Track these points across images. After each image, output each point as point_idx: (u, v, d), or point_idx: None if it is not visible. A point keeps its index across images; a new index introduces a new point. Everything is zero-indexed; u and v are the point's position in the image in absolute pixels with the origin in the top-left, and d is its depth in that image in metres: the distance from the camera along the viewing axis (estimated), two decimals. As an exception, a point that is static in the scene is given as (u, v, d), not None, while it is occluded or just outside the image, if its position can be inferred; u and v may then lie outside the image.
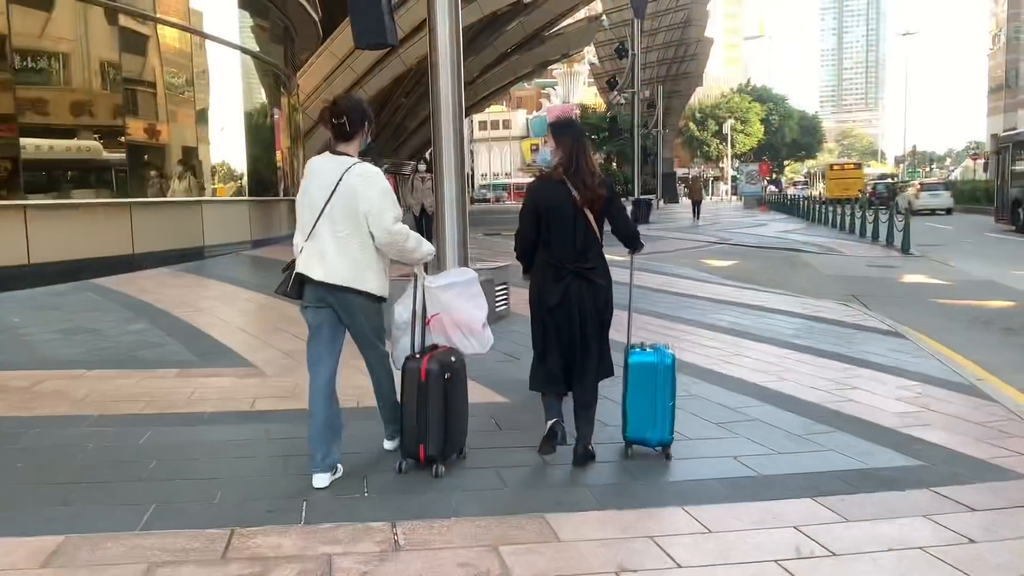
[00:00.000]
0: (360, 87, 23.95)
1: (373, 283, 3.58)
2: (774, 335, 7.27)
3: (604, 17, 45.35)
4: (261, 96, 16.44)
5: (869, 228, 20.63)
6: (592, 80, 73.10)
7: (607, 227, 3.92)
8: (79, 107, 11.16)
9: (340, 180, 3.51)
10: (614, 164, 56.70)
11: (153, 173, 12.27)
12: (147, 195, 12.00)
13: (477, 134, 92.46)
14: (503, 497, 3.48)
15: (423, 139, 34.24)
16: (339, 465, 3.64)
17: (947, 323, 8.45)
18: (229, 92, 14.73)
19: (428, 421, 3.62)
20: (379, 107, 27.60)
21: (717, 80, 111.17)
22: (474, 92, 36.13)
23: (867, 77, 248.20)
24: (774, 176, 71.42)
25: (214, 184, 14.16)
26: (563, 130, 3.86)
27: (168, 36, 12.77)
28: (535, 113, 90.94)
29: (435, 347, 3.80)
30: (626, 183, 38.62)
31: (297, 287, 3.58)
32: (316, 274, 3.52)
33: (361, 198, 3.49)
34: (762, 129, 76.78)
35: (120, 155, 11.55)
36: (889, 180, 47.92)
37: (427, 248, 3.75)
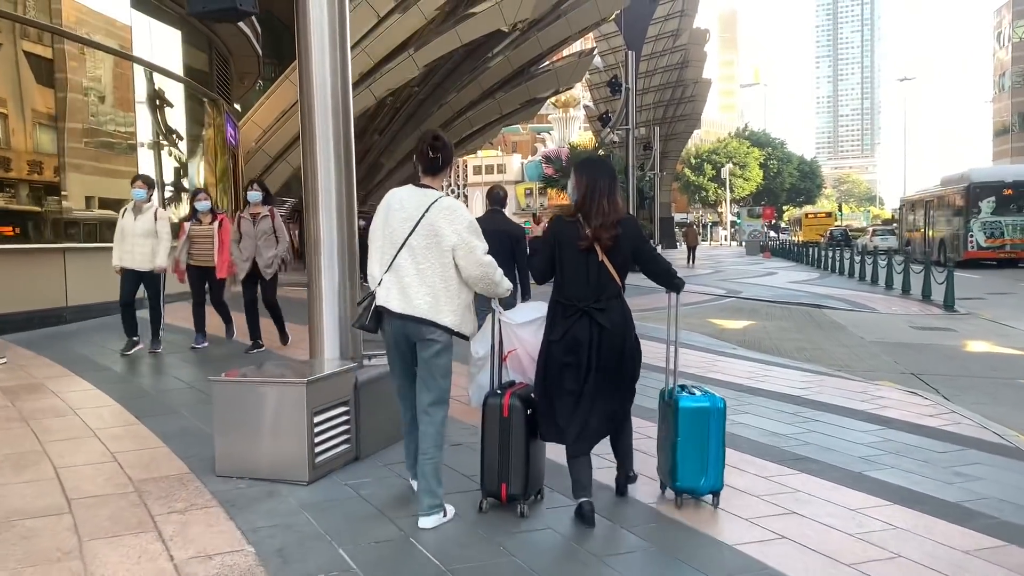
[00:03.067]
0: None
1: (450, 317, 3.47)
2: (837, 459, 4.66)
3: (597, 56, 43.59)
4: (171, 118, 13.34)
5: (897, 279, 18.07)
6: (587, 125, 71.43)
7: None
8: None
9: (425, 213, 3.44)
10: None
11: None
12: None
13: (471, 178, 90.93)
14: None
15: (402, 177, 31.86)
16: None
17: (1076, 427, 5.82)
18: (117, 109, 11.72)
19: (511, 458, 3.56)
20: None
21: (714, 126, 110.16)
22: (458, 130, 33.97)
23: (863, 124, 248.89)
24: (774, 221, 69.77)
25: (88, 226, 10.91)
26: (582, 169, 3.72)
27: (23, 35, 9.93)
28: (530, 158, 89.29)
29: (513, 383, 3.80)
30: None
31: (375, 320, 3.52)
32: (395, 306, 3.46)
33: (448, 232, 3.43)
34: (761, 174, 75.21)
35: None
36: (844, 227, 54.18)
37: (508, 282, 3.69)
